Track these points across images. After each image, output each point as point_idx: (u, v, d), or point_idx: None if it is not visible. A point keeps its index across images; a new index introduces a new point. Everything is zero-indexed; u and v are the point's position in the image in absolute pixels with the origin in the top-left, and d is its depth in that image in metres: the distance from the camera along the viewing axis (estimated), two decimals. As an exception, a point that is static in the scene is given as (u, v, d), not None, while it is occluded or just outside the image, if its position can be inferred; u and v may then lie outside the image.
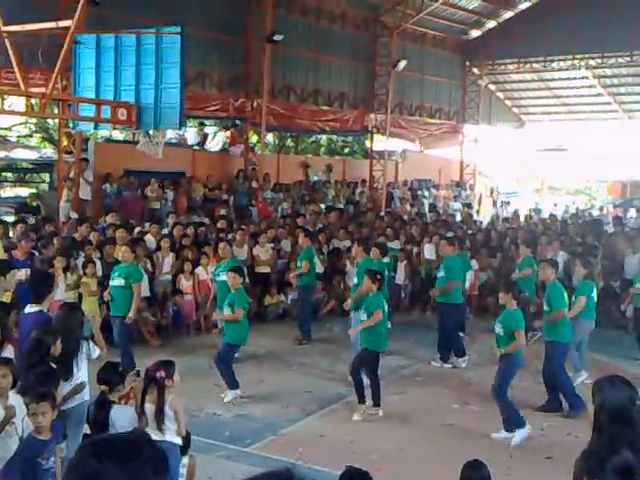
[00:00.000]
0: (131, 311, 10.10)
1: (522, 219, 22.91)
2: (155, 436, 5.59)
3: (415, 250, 16.12)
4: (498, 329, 8.44)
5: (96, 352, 6.72)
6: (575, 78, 28.49)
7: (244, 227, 15.35)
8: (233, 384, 9.61)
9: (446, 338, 11.61)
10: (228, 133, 21.14)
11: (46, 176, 20.03)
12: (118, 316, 10.21)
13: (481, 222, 22.44)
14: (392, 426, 8.73)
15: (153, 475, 1.89)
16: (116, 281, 10.28)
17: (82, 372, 6.47)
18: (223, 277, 10.64)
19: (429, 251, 15.48)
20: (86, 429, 6.29)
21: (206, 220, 16.35)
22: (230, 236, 14.47)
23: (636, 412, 3.76)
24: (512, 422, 8.27)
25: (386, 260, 12.47)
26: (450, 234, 15.86)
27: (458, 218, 22.50)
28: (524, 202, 30.17)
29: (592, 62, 26.55)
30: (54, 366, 5.96)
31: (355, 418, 8.97)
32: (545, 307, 9.61)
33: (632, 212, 25.00)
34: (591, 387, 4.04)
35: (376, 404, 9.15)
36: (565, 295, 9.61)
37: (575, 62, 26.60)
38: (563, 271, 12.87)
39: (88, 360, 6.60)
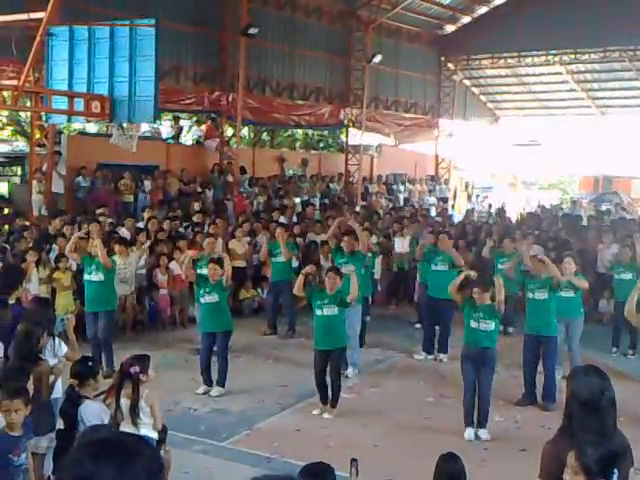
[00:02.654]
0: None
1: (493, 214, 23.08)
2: (130, 431, 5.55)
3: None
4: (488, 325, 8.29)
5: (63, 350, 6.60)
6: (549, 74, 28.67)
7: (217, 221, 15.23)
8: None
9: (446, 333, 11.48)
10: (203, 127, 21.02)
11: (18, 169, 19.80)
12: (104, 310, 10.20)
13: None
14: (368, 420, 8.74)
15: (148, 479, 1.86)
16: (94, 276, 10.20)
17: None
18: (204, 271, 10.55)
19: (399, 244, 15.53)
20: (60, 424, 6.22)
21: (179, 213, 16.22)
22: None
23: (605, 402, 3.83)
24: (486, 417, 8.33)
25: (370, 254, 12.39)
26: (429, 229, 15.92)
27: (433, 213, 22.57)
28: (498, 196, 30.34)
29: (565, 58, 26.75)
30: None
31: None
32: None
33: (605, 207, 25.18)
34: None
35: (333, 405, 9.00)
36: None
37: (549, 58, 26.77)
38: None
39: (56, 357, 6.49)
